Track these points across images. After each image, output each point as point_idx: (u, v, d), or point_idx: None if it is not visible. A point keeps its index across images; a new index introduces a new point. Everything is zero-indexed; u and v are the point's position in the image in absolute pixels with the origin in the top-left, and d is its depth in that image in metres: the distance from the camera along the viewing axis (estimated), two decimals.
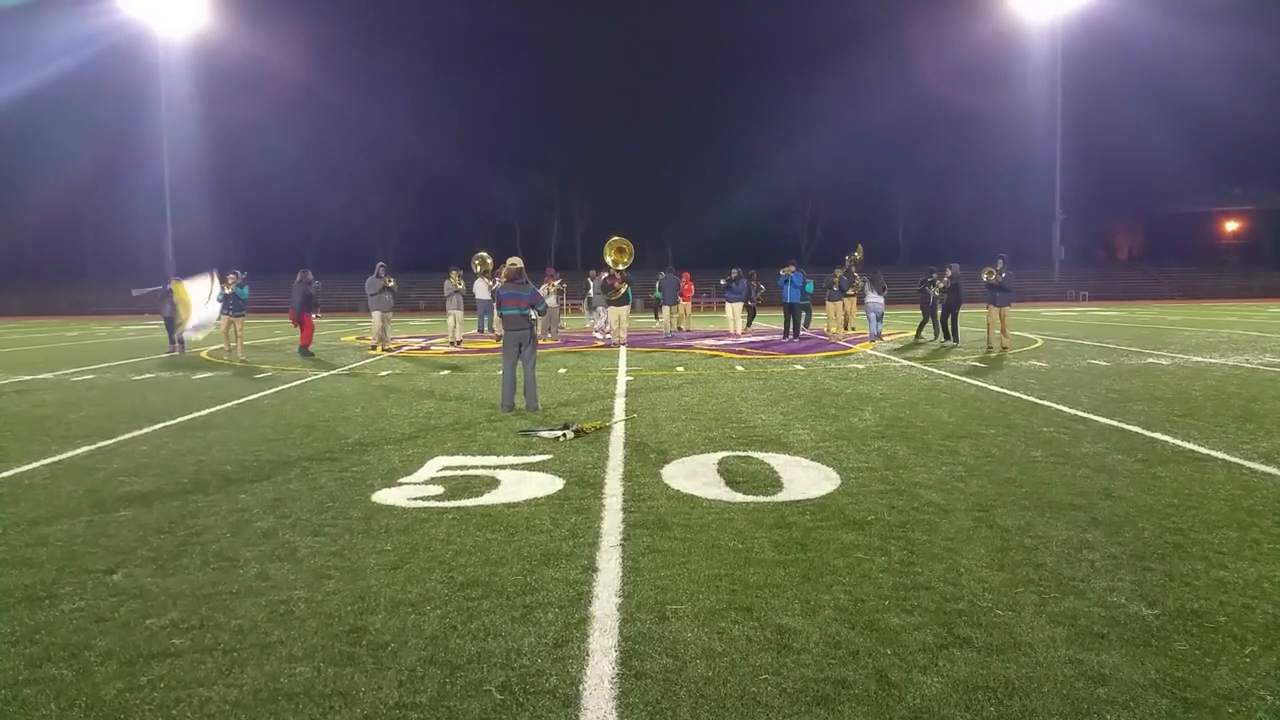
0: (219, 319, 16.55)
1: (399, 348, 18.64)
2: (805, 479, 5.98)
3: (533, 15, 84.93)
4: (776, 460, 6.61)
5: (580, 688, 3.02)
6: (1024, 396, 9.91)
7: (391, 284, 17.87)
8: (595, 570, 4.20)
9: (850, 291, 19.95)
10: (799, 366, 13.69)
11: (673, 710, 2.86)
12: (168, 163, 57.84)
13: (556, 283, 21.42)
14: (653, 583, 4.02)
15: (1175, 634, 3.39)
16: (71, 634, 3.54)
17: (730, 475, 6.11)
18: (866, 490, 5.66)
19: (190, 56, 57.83)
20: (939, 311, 18.72)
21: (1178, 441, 7.15)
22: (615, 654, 3.28)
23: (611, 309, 19.33)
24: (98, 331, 29.54)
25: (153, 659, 3.30)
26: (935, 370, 12.92)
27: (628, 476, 6.14)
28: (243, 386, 11.98)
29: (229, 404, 10.19)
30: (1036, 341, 18.61)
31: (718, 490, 5.69)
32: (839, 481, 5.90)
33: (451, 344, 19.18)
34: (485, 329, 22.81)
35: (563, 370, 13.62)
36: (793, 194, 72.90)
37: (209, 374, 13.83)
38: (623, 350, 17.30)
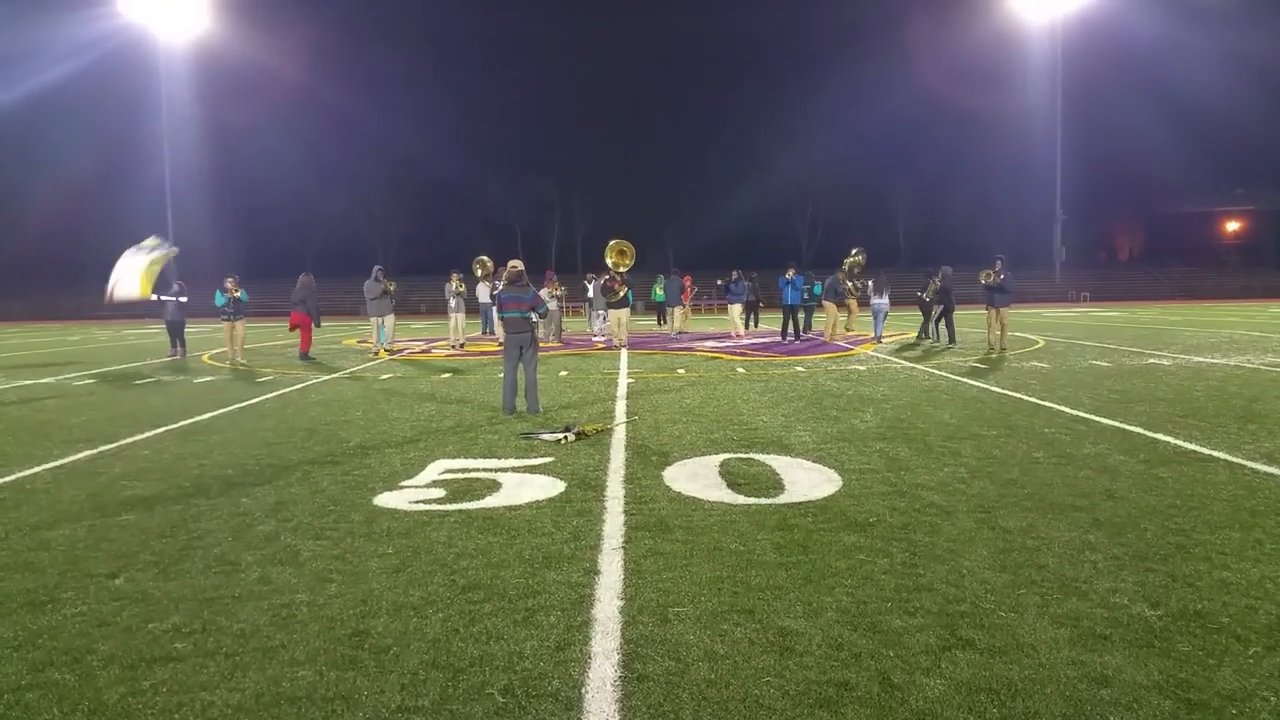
0: (222, 322, 16.62)
1: (400, 351, 18.65)
2: (807, 481, 5.97)
3: (532, 17, 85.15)
4: (778, 462, 6.61)
5: (582, 690, 3.02)
6: (1025, 398, 9.91)
7: (391, 287, 17.89)
8: (597, 573, 4.20)
9: (847, 297, 20.04)
10: (800, 368, 13.69)
11: (675, 713, 2.86)
12: (169, 166, 57.94)
13: (559, 289, 21.50)
14: (655, 585, 4.01)
15: (1178, 635, 3.39)
16: (74, 638, 3.55)
17: (732, 477, 6.11)
18: (868, 492, 5.66)
19: (191, 60, 57.97)
20: (935, 313, 18.95)
21: (1180, 442, 7.14)
22: (617, 657, 3.27)
23: (612, 311, 19.35)
24: (99, 335, 29.56)
25: (155, 663, 3.30)
26: (936, 371, 12.91)
27: (629, 479, 6.13)
28: (244, 390, 11.99)
29: (230, 408, 10.19)
30: (1038, 342, 18.61)
31: (719, 492, 5.69)
32: (841, 483, 5.90)
33: (453, 347, 19.20)
34: (486, 332, 22.89)
35: (564, 373, 13.62)
36: (793, 195, 73.01)
37: (210, 378, 13.84)
38: (624, 353, 17.30)
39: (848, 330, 21.30)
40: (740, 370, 13.54)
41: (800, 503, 5.40)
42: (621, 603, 3.81)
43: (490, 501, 5.56)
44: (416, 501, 5.59)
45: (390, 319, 17.97)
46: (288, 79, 64.05)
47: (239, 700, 3.00)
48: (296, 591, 4.03)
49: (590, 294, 23.84)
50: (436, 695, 3.01)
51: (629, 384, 11.91)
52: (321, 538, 4.86)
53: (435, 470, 6.52)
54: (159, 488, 6.14)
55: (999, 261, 16.70)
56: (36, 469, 6.86)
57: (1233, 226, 76.34)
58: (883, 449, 7.05)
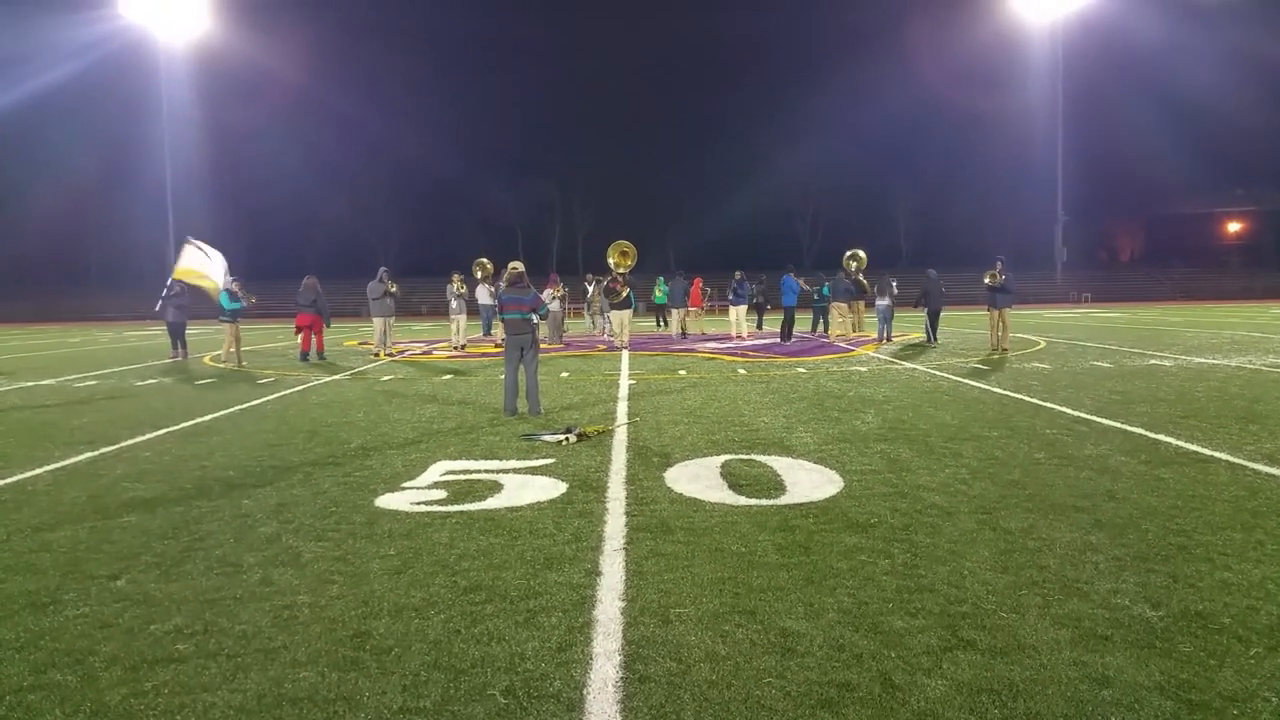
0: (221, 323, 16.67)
1: (401, 352, 18.65)
2: (808, 482, 5.97)
3: (533, 19, 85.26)
4: (779, 463, 6.61)
5: (584, 692, 3.02)
6: (1027, 398, 9.91)
7: (394, 289, 17.93)
8: (598, 574, 4.20)
9: (859, 296, 20.41)
10: (801, 369, 13.69)
11: (676, 714, 2.86)
12: (170, 168, 58.02)
13: (562, 290, 21.57)
14: (656, 586, 4.02)
15: (1179, 636, 3.39)
16: (76, 640, 3.55)
17: (733, 478, 6.11)
18: (869, 493, 5.66)
19: (192, 62, 58.06)
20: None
21: (1181, 443, 7.14)
22: (619, 658, 3.28)
23: (614, 312, 19.37)
24: (100, 337, 29.59)
25: (157, 664, 3.30)
26: (937, 372, 12.91)
27: (630, 480, 6.14)
28: (245, 392, 12.00)
29: (231, 409, 10.20)
30: (1039, 343, 18.60)
31: (721, 493, 5.69)
32: (842, 484, 5.90)
33: (455, 348, 19.22)
34: (488, 333, 22.95)
35: (565, 374, 13.63)
36: (794, 197, 73.06)
37: (211, 379, 13.85)
38: (625, 354, 17.30)
39: (855, 332, 21.46)
40: (741, 371, 13.54)
41: (801, 504, 5.40)
42: (623, 604, 3.81)
43: (492, 503, 5.57)
44: (418, 503, 5.59)
45: (389, 321, 18.01)
46: (288, 80, 64.19)
47: (241, 701, 3.00)
48: (298, 593, 4.03)
49: (591, 294, 23.92)
50: (438, 696, 3.01)
51: (630, 385, 11.91)
52: (323, 539, 4.86)
53: (437, 471, 6.52)
54: (160, 489, 6.14)
55: (999, 262, 16.75)
56: (38, 471, 6.87)
57: (1234, 227, 76.29)
58: (884, 450, 7.05)
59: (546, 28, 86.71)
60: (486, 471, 6.50)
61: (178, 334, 18.46)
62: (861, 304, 22.14)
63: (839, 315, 21.45)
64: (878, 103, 65.30)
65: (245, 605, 3.89)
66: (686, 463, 6.67)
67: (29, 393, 12.48)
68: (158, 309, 18.08)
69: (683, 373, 13.51)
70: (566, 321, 24.48)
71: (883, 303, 19.69)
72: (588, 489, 5.90)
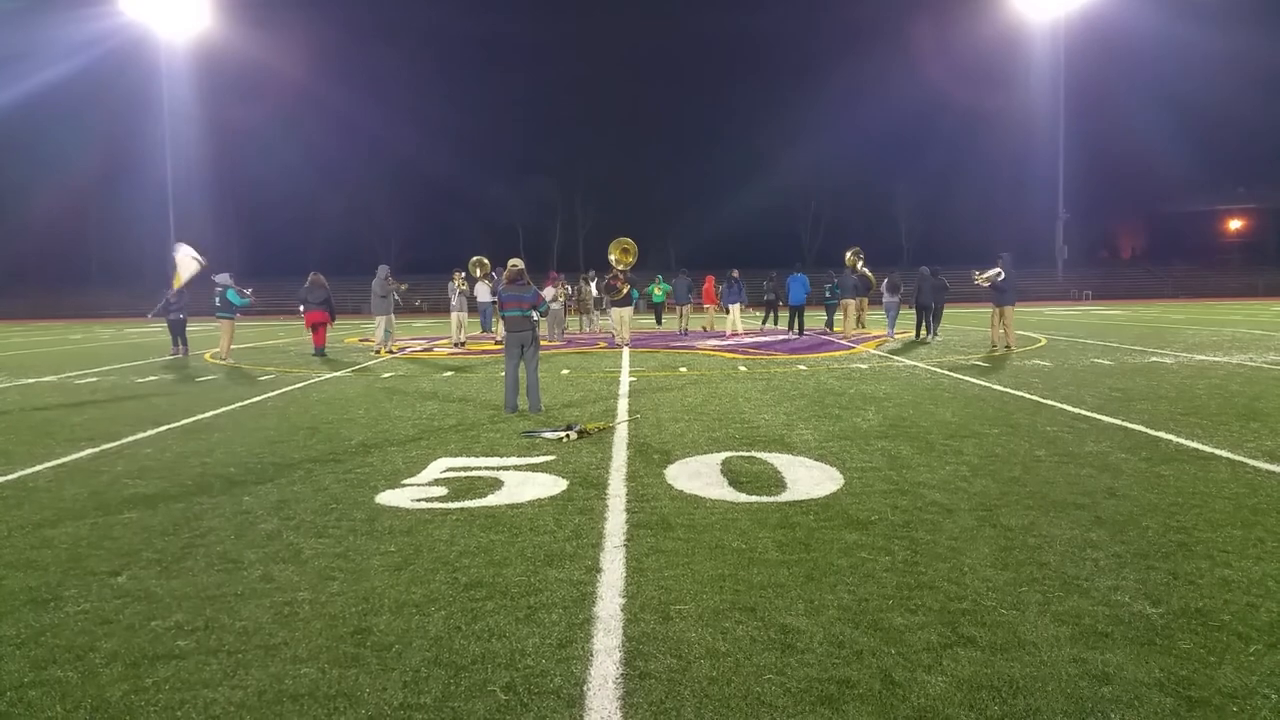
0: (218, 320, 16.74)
1: (402, 349, 18.67)
2: (809, 479, 5.97)
3: (534, 18, 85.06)
4: (780, 460, 6.61)
5: (584, 688, 3.03)
6: (1027, 396, 9.90)
7: (404, 287, 18.17)
8: (599, 571, 4.20)
9: (867, 291, 20.89)
10: (802, 367, 13.69)
11: (677, 710, 2.87)
12: (171, 166, 58.02)
13: (567, 287, 21.76)
14: (656, 583, 4.02)
15: (1179, 633, 3.39)
16: (76, 636, 3.55)
17: (734, 475, 6.11)
18: (870, 490, 5.66)
19: (193, 60, 58.05)
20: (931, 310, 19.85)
21: (1182, 440, 7.14)
22: (619, 654, 3.28)
23: (615, 310, 19.40)
24: (101, 334, 29.60)
25: (158, 661, 3.31)
26: (938, 370, 12.91)
27: (631, 477, 6.14)
28: (246, 389, 12.01)
29: (232, 406, 10.20)
30: (1040, 340, 18.60)
31: (721, 490, 5.69)
32: (842, 481, 5.90)
33: (455, 345, 19.25)
34: (486, 329, 23.08)
35: (566, 371, 13.63)
36: (796, 195, 73.02)
37: (212, 376, 13.86)
38: (626, 351, 17.30)
39: (860, 328, 21.66)
40: (742, 369, 13.54)
41: (802, 501, 5.40)
42: (623, 600, 3.81)
43: (492, 500, 5.57)
44: (419, 499, 5.60)
45: (391, 318, 18.13)
46: (289, 78, 64.14)
47: (241, 698, 3.01)
48: (299, 589, 4.03)
49: (594, 292, 24.14)
50: (438, 692, 3.02)
51: (631, 382, 11.91)
52: (324, 536, 4.87)
53: (437, 468, 6.53)
54: (161, 486, 6.15)
55: (1000, 259, 16.79)
56: (39, 467, 6.87)
57: (1235, 225, 76.20)
58: (884, 447, 7.05)
59: (548, 26, 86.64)
60: (487, 468, 6.50)
61: (178, 331, 18.48)
62: (865, 300, 22.33)
63: (845, 312, 21.76)
64: (879, 101, 65.24)
65: (246, 602, 3.90)
66: (687, 460, 6.67)
67: (30, 390, 12.49)
68: (151, 315, 18.18)
69: (683, 370, 13.51)
70: (567, 319, 24.63)
71: (891, 299, 20.02)
72: (588, 486, 5.90)
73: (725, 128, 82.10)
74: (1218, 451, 6.68)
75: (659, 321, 27.59)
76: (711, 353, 16.74)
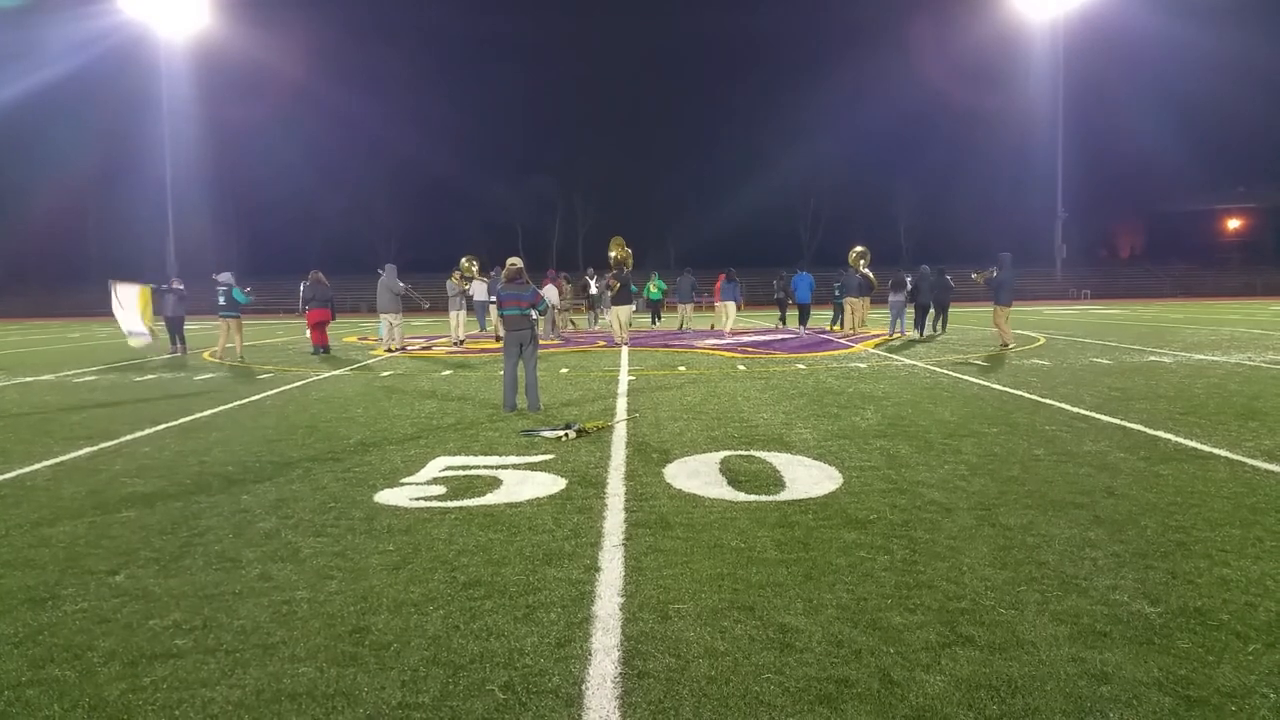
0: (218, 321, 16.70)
1: (401, 348, 18.67)
2: (807, 478, 5.97)
3: (533, 17, 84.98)
4: (779, 459, 6.61)
5: (583, 687, 3.02)
6: (1026, 395, 9.91)
7: (411, 289, 18.34)
8: (597, 570, 4.20)
9: (869, 290, 21.18)
10: (801, 366, 13.69)
11: (675, 709, 2.86)
12: (170, 164, 57.94)
13: (568, 285, 21.91)
14: (655, 582, 4.02)
15: (1178, 632, 3.39)
16: (74, 635, 3.55)
17: (732, 474, 6.11)
18: (869, 489, 5.66)
19: (192, 58, 57.95)
20: (932, 308, 20.31)
21: (1180, 439, 7.14)
22: (618, 653, 3.28)
23: (614, 308, 19.41)
24: (99, 333, 29.56)
25: (155, 660, 3.30)
26: (937, 369, 12.91)
27: (630, 476, 6.14)
28: (244, 387, 12.00)
29: (231, 405, 10.20)
30: (1039, 340, 18.61)
31: (720, 489, 5.69)
32: (841, 480, 5.90)
33: (455, 344, 19.26)
34: (483, 328, 23.18)
35: (565, 370, 13.62)
36: (795, 194, 72.99)
37: (211, 375, 13.85)
38: (625, 350, 17.30)
39: (862, 327, 21.77)
40: (741, 368, 13.54)
41: (801, 500, 5.40)
42: (622, 599, 3.81)
43: (491, 498, 5.57)
44: (417, 498, 5.59)
45: (396, 316, 18.24)
46: (289, 77, 64.05)
47: (239, 697, 3.00)
48: (297, 588, 4.03)
49: (594, 290, 24.36)
50: (437, 692, 3.01)
51: (629, 381, 11.91)
52: (322, 535, 4.86)
53: (436, 467, 6.52)
54: (159, 485, 6.14)
55: (999, 259, 16.90)
56: (37, 466, 6.87)
57: (1234, 224, 76.22)
58: (883, 446, 7.05)
59: (547, 25, 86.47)
60: (486, 467, 6.50)
61: (176, 329, 18.48)
62: (868, 300, 22.43)
63: (848, 311, 22.02)
64: (878, 100, 65.24)
65: (244, 600, 3.89)
66: (686, 459, 6.67)
67: (28, 388, 12.48)
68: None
69: (682, 369, 13.50)
70: (566, 318, 24.75)
71: (896, 298, 20.23)
72: (587, 485, 5.90)
73: (724, 126, 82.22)
74: (1216, 451, 6.69)
75: (654, 321, 27.62)
76: (710, 352, 16.74)
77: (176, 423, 8.91)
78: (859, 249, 21.60)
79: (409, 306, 18.71)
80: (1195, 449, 6.78)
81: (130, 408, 10.16)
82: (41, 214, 59.29)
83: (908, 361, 14.14)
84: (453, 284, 20.26)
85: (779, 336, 20.80)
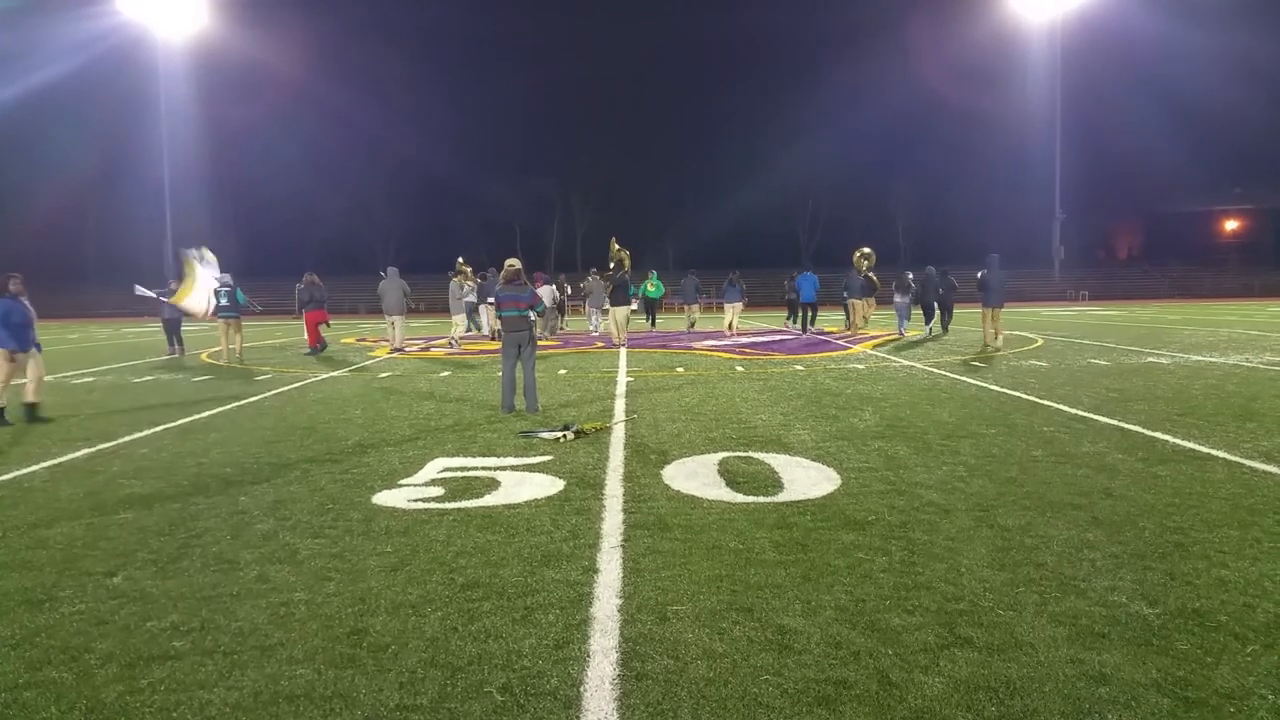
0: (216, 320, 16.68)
1: (400, 349, 18.65)
2: (806, 479, 5.97)
3: (533, 17, 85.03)
4: (777, 461, 6.61)
5: (581, 689, 3.02)
6: (1024, 396, 9.91)
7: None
8: (596, 571, 4.19)
9: (872, 291, 21.44)
10: (799, 367, 13.69)
11: (674, 711, 2.86)
12: (168, 165, 57.89)
13: (567, 287, 22.00)
14: (653, 584, 4.01)
15: (1176, 633, 3.39)
16: (72, 637, 3.54)
17: (731, 476, 6.11)
18: (867, 490, 5.66)
19: (190, 59, 57.87)
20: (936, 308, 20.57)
21: (1178, 441, 7.15)
22: (616, 655, 3.27)
23: (613, 309, 19.43)
24: (97, 334, 29.53)
25: (153, 661, 3.30)
26: (935, 370, 12.92)
27: (628, 477, 6.13)
28: (242, 388, 11.98)
29: (229, 406, 10.18)
30: (1037, 341, 18.62)
31: (718, 491, 5.69)
32: (839, 482, 5.90)
33: (451, 345, 19.25)
34: (471, 329, 23.20)
35: (563, 371, 13.62)
36: (793, 194, 72.99)
37: (208, 376, 13.83)
38: (623, 351, 17.30)
39: (863, 327, 21.86)
40: (739, 369, 13.54)
41: (799, 501, 5.40)
42: (620, 601, 3.81)
43: (489, 500, 5.56)
44: (415, 500, 5.59)
45: (396, 319, 18.32)
46: (287, 77, 63.98)
47: (237, 699, 3.00)
48: (295, 590, 4.02)
49: (594, 289, 24.55)
50: (435, 693, 3.01)
51: (628, 382, 11.90)
52: (320, 536, 4.86)
53: (434, 469, 6.52)
54: (157, 486, 6.13)
55: (988, 261, 17.10)
56: (34, 467, 6.85)
57: (1231, 226, 76.30)
58: (881, 447, 7.05)
59: (547, 26, 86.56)
60: (484, 469, 6.50)
61: (174, 330, 18.45)
62: (872, 301, 22.52)
63: (851, 312, 22.15)
64: (876, 101, 65.26)
65: (242, 602, 3.89)
66: (684, 460, 6.67)
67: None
68: (138, 291, 18.12)
69: (680, 370, 13.50)
70: (565, 319, 24.87)
71: (900, 299, 20.38)
72: (585, 486, 5.90)
73: (723, 127, 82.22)
74: (1214, 452, 6.69)
75: (650, 322, 27.28)
76: (708, 353, 16.74)
77: (174, 424, 8.90)
78: (863, 250, 21.57)
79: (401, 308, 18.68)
80: (1193, 450, 6.79)
81: (128, 409, 10.15)
82: (40, 214, 59.17)
83: (906, 363, 14.14)
84: (456, 285, 20.30)
85: (778, 337, 20.87)
